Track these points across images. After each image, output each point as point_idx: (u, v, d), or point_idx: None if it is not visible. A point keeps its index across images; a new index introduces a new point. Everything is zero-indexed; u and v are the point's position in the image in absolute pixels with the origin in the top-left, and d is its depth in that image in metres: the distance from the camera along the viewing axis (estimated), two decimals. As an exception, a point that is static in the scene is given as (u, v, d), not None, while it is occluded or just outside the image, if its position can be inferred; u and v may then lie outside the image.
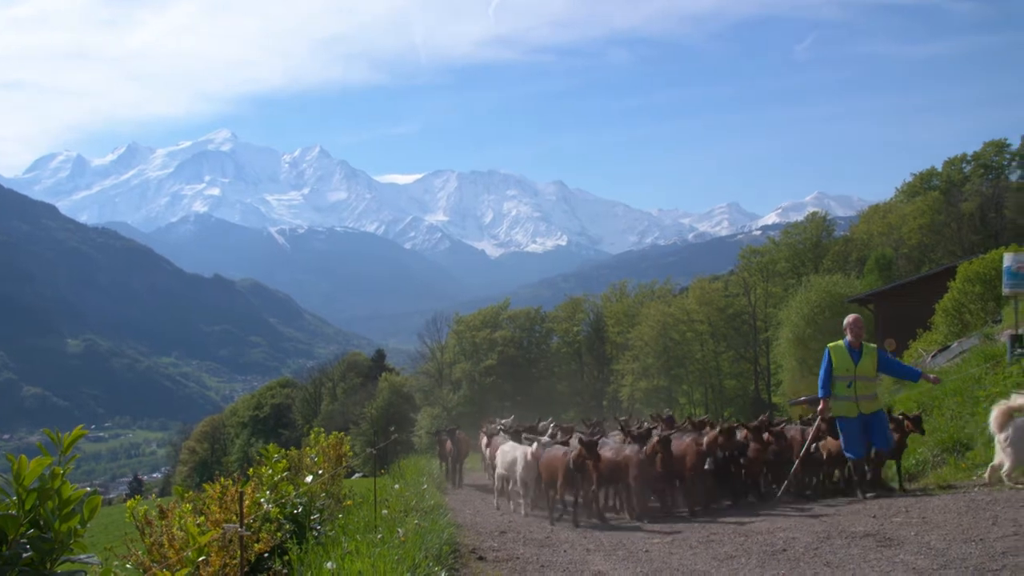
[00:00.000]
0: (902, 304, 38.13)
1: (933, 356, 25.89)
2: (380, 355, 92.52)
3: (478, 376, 66.01)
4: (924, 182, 72.24)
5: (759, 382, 63.16)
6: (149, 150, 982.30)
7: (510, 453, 13.75)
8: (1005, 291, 19.24)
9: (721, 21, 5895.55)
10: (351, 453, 14.05)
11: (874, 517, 9.92)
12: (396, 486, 14.26)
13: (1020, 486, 10.49)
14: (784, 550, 8.43)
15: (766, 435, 12.82)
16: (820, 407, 12.45)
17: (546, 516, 12.56)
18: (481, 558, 8.85)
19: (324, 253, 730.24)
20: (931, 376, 12.49)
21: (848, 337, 12.29)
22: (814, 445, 12.71)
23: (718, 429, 12.46)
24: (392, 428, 33.86)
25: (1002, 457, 10.65)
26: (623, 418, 17.71)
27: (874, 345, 12.65)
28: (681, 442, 12.55)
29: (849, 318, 12.43)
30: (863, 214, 79.24)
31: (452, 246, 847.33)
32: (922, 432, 12.33)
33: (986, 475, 10.93)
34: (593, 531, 11.22)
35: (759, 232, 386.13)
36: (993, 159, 71.21)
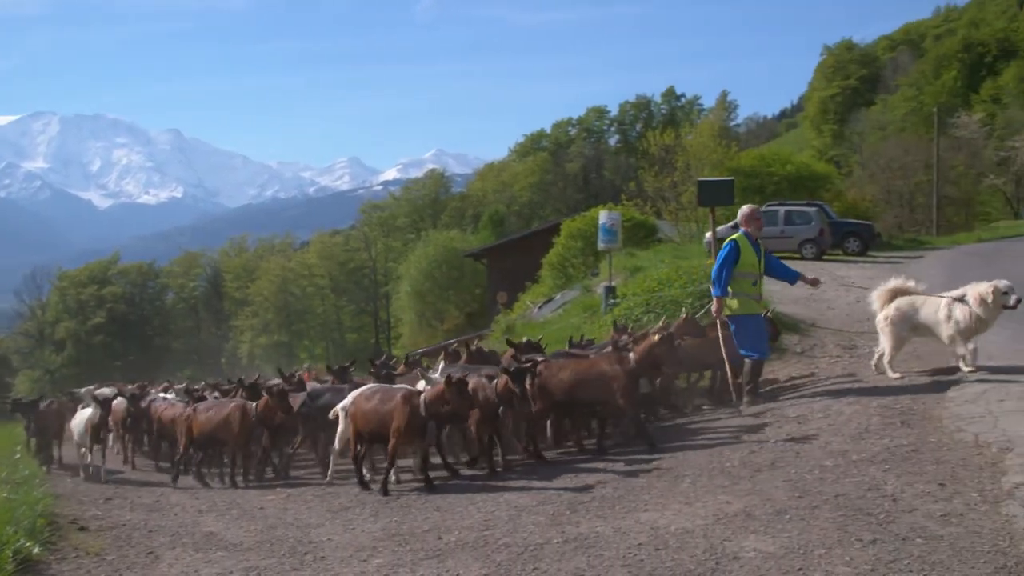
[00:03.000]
0: (513, 258, 40.33)
1: (539, 307, 27.55)
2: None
3: (85, 335, 62.46)
4: (534, 143, 76.84)
5: (379, 335, 64.40)
6: None
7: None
8: (601, 246, 20.87)
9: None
10: (-72, 425, 12.66)
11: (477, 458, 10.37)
12: (-17, 458, 12.97)
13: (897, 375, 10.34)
14: (397, 498, 8.75)
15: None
16: (715, 307, 10.50)
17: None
18: (83, 528, 8.28)
19: None
20: (809, 277, 11.06)
21: (749, 229, 10.50)
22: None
23: (649, 341, 9.41)
24: (-18, 394, 31.00)
25: (882, 339, 10.50)
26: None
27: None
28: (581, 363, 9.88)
29: (753, 208, 10.77)
30: (479, 172, 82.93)
31: (54, 195, 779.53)
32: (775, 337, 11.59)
33: (873, 363, 10.74)
34: (207, 491, 10.92)
35: (380, 187, 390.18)
36: (595, 124, 77.08)
